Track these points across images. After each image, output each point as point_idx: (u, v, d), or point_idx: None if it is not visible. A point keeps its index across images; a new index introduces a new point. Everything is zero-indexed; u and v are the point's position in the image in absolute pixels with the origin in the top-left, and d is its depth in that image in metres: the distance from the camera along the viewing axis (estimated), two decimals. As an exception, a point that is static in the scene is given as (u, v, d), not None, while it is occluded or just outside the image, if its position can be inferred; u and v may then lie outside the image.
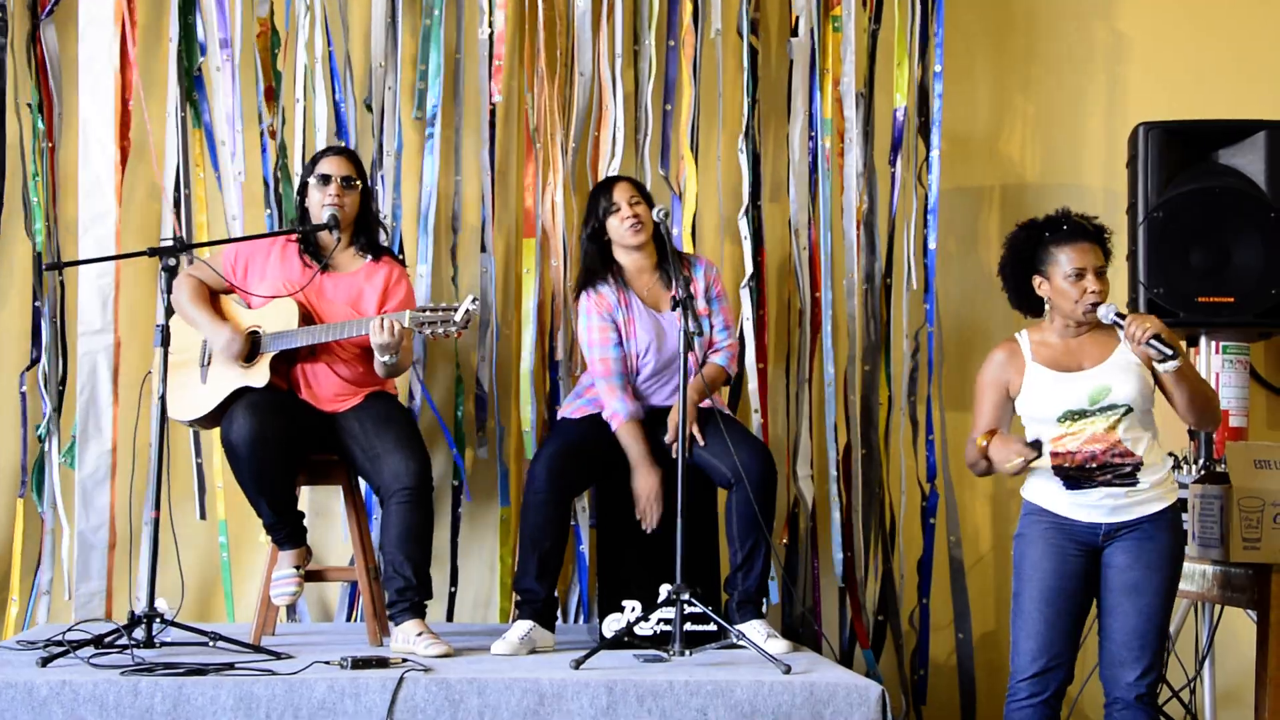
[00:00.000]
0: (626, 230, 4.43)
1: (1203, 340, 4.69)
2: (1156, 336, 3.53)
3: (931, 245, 5.08)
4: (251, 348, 4.32)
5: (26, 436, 4.91)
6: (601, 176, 4.97)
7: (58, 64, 4.94)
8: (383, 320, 4.14)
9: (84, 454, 4.85)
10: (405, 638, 4.11)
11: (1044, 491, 3.70)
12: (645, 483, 4.34)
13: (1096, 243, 3.67)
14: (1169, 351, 3.52)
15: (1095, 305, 3.62)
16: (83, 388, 4.86)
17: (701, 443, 4.32)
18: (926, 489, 5.09)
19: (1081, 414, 3.63)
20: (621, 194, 4.45)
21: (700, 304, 4.48)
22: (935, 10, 5.06)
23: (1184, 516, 4.12)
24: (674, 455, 4.26)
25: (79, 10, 4.91)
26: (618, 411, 4.39)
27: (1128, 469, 3.60)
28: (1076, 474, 3.63)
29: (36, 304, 4.90)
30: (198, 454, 4.93)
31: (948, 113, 5.11)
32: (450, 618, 4.99)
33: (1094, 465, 3.62)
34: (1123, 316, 3.59)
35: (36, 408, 4.92)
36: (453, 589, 5.00)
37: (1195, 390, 3.60)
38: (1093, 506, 3.63)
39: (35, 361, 4.89)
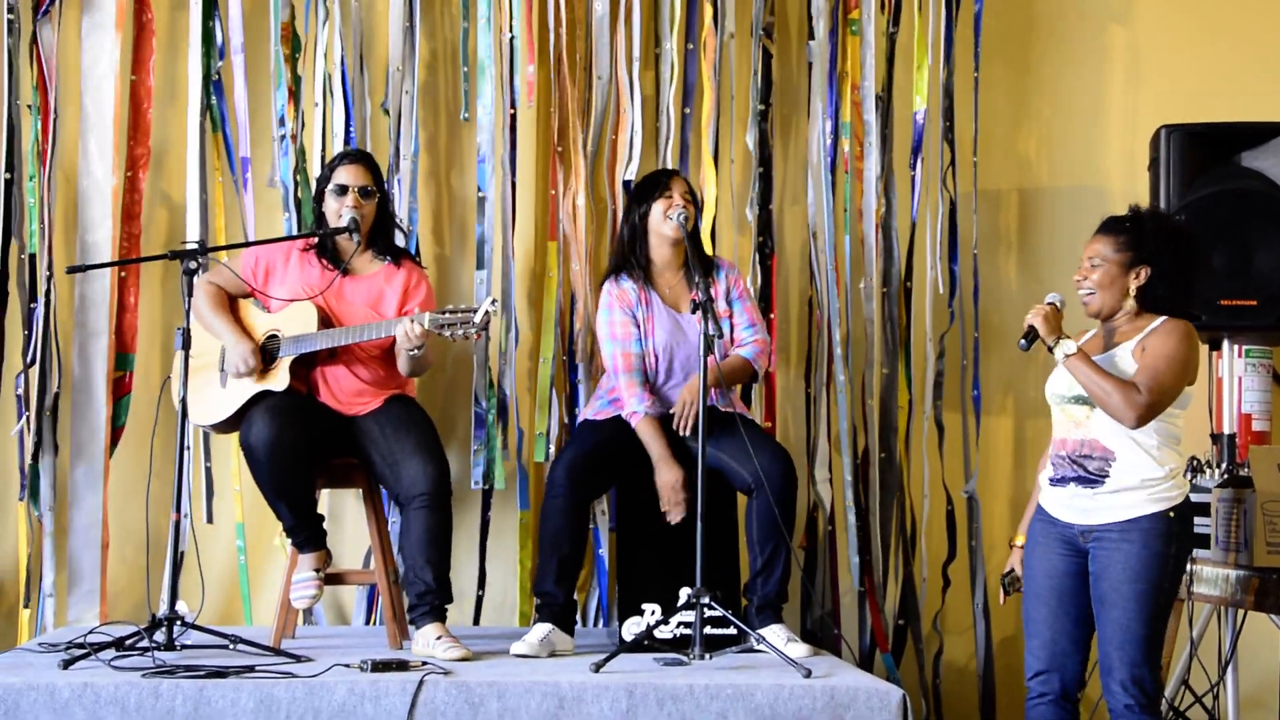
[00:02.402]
0: (669, 221, 4.42)
1: (1225, 343, 4.67)
2: (1031, 327, 3.61)
3: (974, 250, 5.09)
4: (265, 359, 4.33)
5: (22, 439, 4.89)
6: (620, 180, 4.98)
7: (54, 65, 4.93)
8: (410, 324, 4.15)
9: (77, 456, 4.87)
10: (425, 641, 4.11)
11: (1042, 488, 3.73)
12: (667, 477, 4.33)
13: (1107, 233, 3.66)
14: (1021, 342, 3.63)
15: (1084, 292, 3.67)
16: (79, 388, 4.87)
17: (686, 433, 4.32)
18: (956, 496, 5.08)
19: (1062, 399, 3.66)
20: (677, 186, 4.47)
21: (721, 305, 4.48)
22: (963, 14, 5.06)
23: (1200, 520, 4.10)
24: (682, 435, 4.31)
25: (81, 14, 4.92)
26: (636, 410, 4.39)
27: (1094, 466, 3.58)
28: (1058, 462, 3.65)
29: (31, 306, 4.90)
30: (207, 458, 4.94)
31: (965, 115, 5.10)
32: (477, 620, 4.99)
33: (1064, 454, 3.63)
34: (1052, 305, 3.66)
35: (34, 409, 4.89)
36: (480, 591, 4.99)
37: (1085, 380, 3.55)
38: (1065, 505, 3.64)
39: (31, 364, 4.88)
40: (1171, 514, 3.56)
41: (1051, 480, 3.67)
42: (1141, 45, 5.29)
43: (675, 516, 4.32)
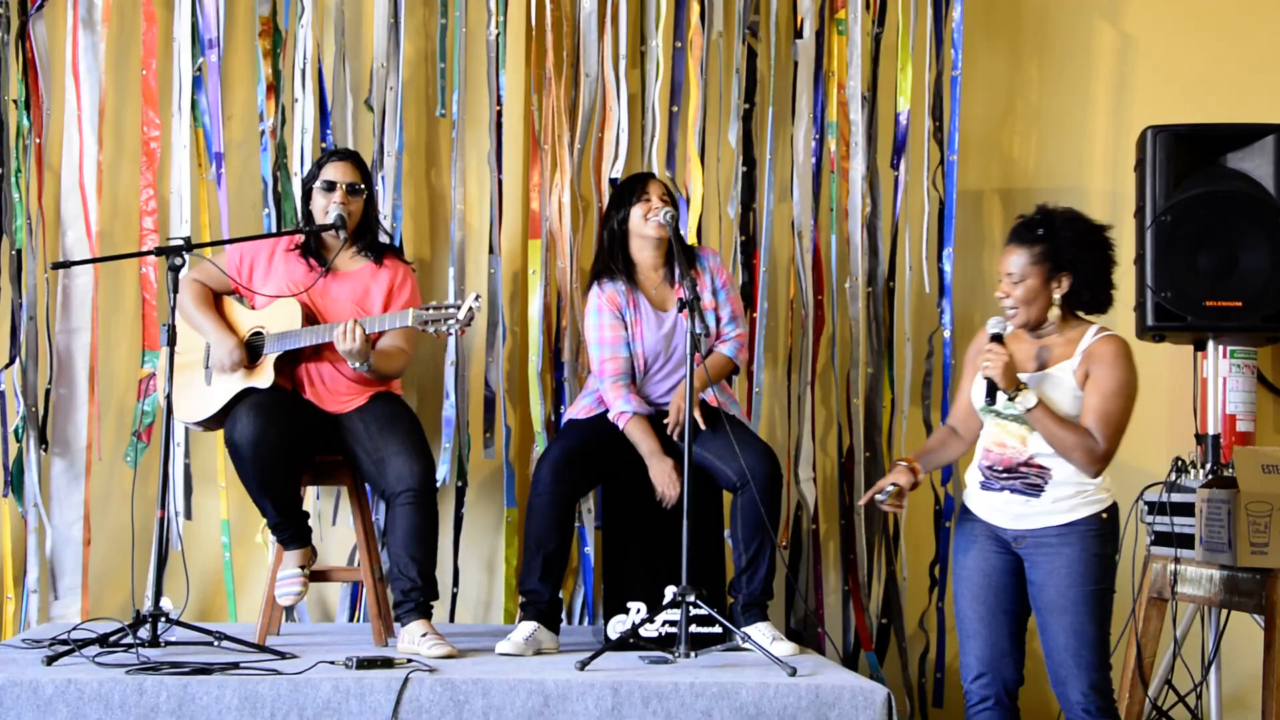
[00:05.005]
0: (650, 223, 4.42)
1: (1210, 344, 4.67)
2: (990, 380, 3.55)
3: (948, 249, 5.08)
4: (249, 356, 4.32)
5: (5, 436, 4.87)
6: (605, 178, 4.98)
7: (46, 60, 4.91)
8: (345, 327, 4.14)
9: (61, 452, 4.86)
10: (411, 638, 4.11)
11: (969, 487, 3.72)
12: (661, 468, 4.33)
13: (1021, 244, 3.61)
14: (985, 400, 3.57)
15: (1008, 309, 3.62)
16: (60, 384, 4.86)
17: (703, 426, 4.31)
18: (942, 494, 5.09)
19: (997, 414, 3.63)
20: (654, 188, 4.48)
21: (707, 297, 4.48)
22: (951, 12, 5.06)
23: (1183, 520, 4.11)
24: (677, 440, 4.28)
25: (68, 9, 4.90)
26: (625, 411, 4.39)
27: (1032, 479, 3.59)
28: (990, 474, 3.64)
29: (17, 302, 4.87)
30: (187, 454, 4.92)
31: (948, 114, 5.11)
32: (452, 618, 4.98)
33: (1001, 468, 3.62)
34: (998, 339, 3.60)
35: (15, 406, 4.87)
36: (455, 589, 4.99)
37: (1047, 434, 3.55)
38: (997, 510, 3.63)
39: (14, 360, 4.86)
40: (1105, 515, 3.58)
41: (982, 485, 3.67)
42: (1130, 45, 5.29)
43: (670, 499, 4.30)
